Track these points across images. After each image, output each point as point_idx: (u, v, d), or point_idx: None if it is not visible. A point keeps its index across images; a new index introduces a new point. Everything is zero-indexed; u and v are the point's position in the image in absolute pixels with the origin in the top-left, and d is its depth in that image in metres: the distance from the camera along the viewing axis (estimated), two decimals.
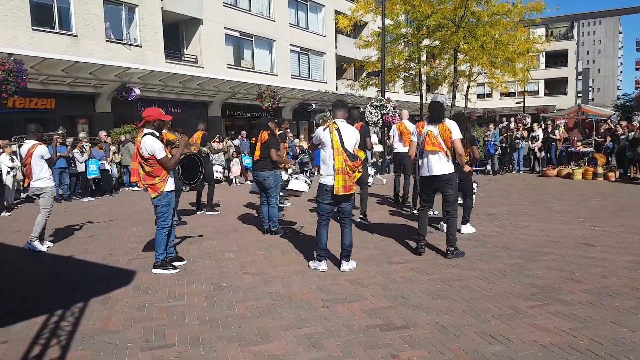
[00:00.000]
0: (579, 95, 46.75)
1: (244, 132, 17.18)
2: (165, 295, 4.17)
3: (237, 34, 22.25)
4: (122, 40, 17.34)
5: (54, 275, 4.97)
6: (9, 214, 9.27)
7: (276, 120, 7.71)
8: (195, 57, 20.42)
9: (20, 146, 9.55)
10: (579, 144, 14.92)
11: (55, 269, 5.24)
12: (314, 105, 24.19)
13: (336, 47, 28.47)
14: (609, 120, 15.67)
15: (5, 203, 9.70)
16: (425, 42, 21.12)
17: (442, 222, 6.50)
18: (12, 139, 10.98)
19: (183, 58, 20.43)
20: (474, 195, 6.68)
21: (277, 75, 23.92)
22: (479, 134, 15.72)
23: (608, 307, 3.60)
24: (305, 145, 17.12)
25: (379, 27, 19.26)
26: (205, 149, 8.04)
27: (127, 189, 13.25)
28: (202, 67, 20.02)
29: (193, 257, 5.43)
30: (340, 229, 4.82)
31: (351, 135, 4.67)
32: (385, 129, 17.14)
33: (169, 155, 4.88)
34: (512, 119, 19.71)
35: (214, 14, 20.69)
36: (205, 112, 20.69)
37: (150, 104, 16.40)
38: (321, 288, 4.25)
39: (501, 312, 3.56)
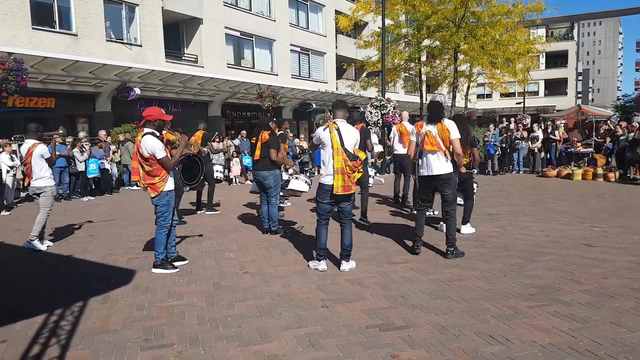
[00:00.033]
0: (579, 95, 46.78)
1: (244, 131, 17.18)
2: (164, 295, 4.17)
3: (238, 34, 22.25)
4: (122, 39, 17.33)
5: (54, 275, 4.97)
6: (9, 213, 9.27)
7: (274, 119, 7.72)
8: (195, 57, 20.42)
9: (20, 145, 9.56)
10: (579, 144, 14.92)
11: (54, 268, 5.24)
12: (314, 105, 24.19)
13: (336, 47, 28.47)
14: (608, 121, 15.66)
15: (5, 202, 9.70)
16: (426, 42, 21.12)
17: (441, 222, 6.50)
18: (12, 138, 10.98)
19: (183, 57, 20.43)
20: (474, 195, 6.68)
21: (277, 75, 23.92)
22: (479, 134, 15.73)
23: (608, 307, 3.60)
24: (305, 145, 17.12)
25: (379, 27, 19.25)
26: (205, 149, 8.04)
27: (127, 188, 13.25)
28: (203, 67, 20.01)
29: (193, 257, 5.43)
30: (340, 229, 4.82)
31: (351, 135, 4.67)
32: (385, 129, 17.15)
33: (169, 155, 4.88)
34: (512, 119, 19.73)
35: (215, 14, 20.68)
36: (205, 111, 20.69)
37: (150, 104, 16.39)
38: (321, 288, 4.25)
39: (501, 313, 3.57)
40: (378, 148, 11.63)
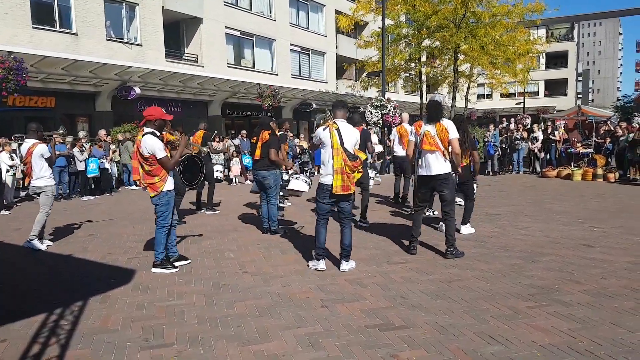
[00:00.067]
0: (579, 96, 46.77)
1: (244, 131, 17.18)
2: (164, 295, 4.17)
3: (238, 33, 22.25)
4: (122, 38, 17.33)
5: (54, 274, 4.97)
6: (9, 212, 9.26)
7: (273, 119, 7.71)
8: (195, 56, 20.42)
9: (20, 145, 9.56)
10: (579, 145, 14.93)
11: (54, 267, 5.24)
12: (314, 105, 24.20)
13: (337, 47, 28.47)
14: (608, 122, 15.67)
15: (4, 201, 9.70)
16: (426, 42, 21.12)
17: (441, 223, 6.49)
18: (13, 138, 10.99)
19: (183, 57, 20.43)
20: (474, 196, 6.68)
21: (277, 74, 23.92)
22: (479, 134, 15.74)
23: (607, 308, 3.61)
24: (305, 145, 17.12)
25: (379, 27, 19.24)
26: (205, 149, 8.04)
27: (126, 187, 13.25)
28: (203, 66, 20.01)
29: (192, 257, 5.42)
30: (340, 229, 4.82)
31: (351, 135, 4.67)
32: (385, 129, 17.16)
33: (169, 155, 4.88)
34: (512, 119, 19.74)
35: (215, 13, 20.68)
36: (205, 111, 20.69)
37: (150, 103, 16.41)
38: (321, 288, 4.25)
39: (500, 313, 3.57)
40: (378, 148, 11.64)
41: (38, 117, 13.08)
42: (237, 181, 14.31)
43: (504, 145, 15.64)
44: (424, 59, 23.06)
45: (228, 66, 21.44)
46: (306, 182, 6.45)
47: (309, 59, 26.76)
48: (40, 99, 14.80)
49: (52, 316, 3.69)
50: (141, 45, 17.71)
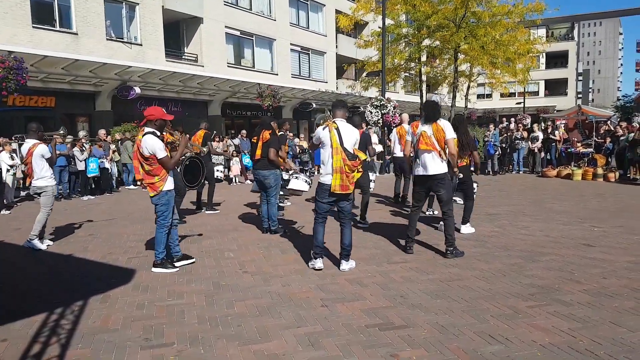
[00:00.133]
0: (579, 96, 46.78)
1: (244, 131, 17.18)
2: (164, 294, 4.17)
3: (238, 33, 22.25)
4: (122, 38, 17.33)
5: (54, 274, 4.97)
6: (9, 212, 9.27)
7: (274, 119, 7.71)
8: (195, 56, 20.42)
9: (20, 145, 9.56)
10: (579, 144, 14.93)
11: (54, 267, 5.24)
12: (314, 105, 24.19)
13: (337, 47, 28.47)
14: (609, 121, 15.67)
15: (5, 201, 9.70)
16: (426, 42, 21.11)
17: (441, 222, 6.49)
18: (13, 138, 10.99)
19: (183, 57, 20.43)
20: (474, 196, 6.69)
21: (277, 74, 23.92)
22: (479, 134, 15.74)
23: (607, 307, 3.61)
24: (305, 144, 17.13)
25: (379, 27, 19.24)
26: (205, 149, 8.04)
27: (126, 187, 13.25)
28: (203, 66, 20.01)
29: (193, 256, 5.42)
30: (340, 229, 4.82)
31: (351, 135, 4.67)
32: (385, 129, 17.16)
33: (170, 155, 4.88)
34: (512, 119, 19.72)
35: (215, 13, 20.68)
36: (205, 111, 20.69)
37: (150, 103, 16.41)
38: (320, 287, 4.25)
39: (500, 312, 3.57)
40: (378, 148, 11.65)
41: (38, 117, 13.08)
42: (237, 181, 14.31)
43: (504, 145, 15.64)
44: (424, 58, 23.05)
45: (228, 66, 21.44)
46: (306, 181, 6.46)
47: (309, 59, 26.75)
48: (40, 99, 14.79)
49: (53, 316, 3.69)
50: (141, 45, 17.71)
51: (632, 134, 12.50)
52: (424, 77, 23.26)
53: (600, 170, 12.67)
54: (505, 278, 4.39)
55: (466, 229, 6.36)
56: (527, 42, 21.16)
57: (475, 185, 6.69)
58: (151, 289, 4.31)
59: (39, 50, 13.38)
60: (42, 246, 6.02)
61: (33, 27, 14.52)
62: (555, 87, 46.03)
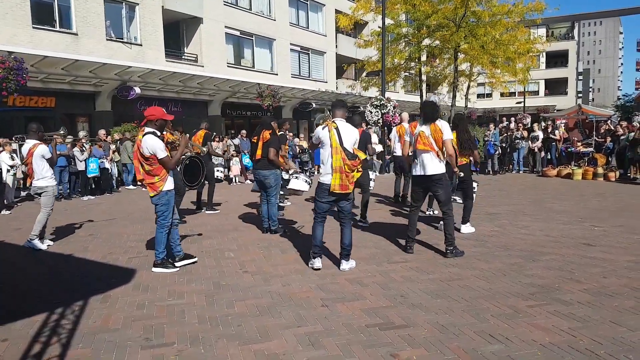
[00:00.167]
0: (579, 95, 46.72)
1: (244, 131, 17.18)
2: (165, 294, 4.18)
3: (238, 33, 22.25)
4: (122, 38, 17.33)
5: (54, 274, 4.98)
6: (9, 212, 9.27)
7: (275, 119, 7.71)
8: (195, 56, 20.42)
9: (21, 145, 9.56)
10: (579, 144, 14.93)
11: (55, 267, 5.24)
12: (314, 105, 24.19)
13: (336, 47, 28.46)
14: (609, 121, 15.67)
15: (5, 201, 9.71)
16: (426, 41, 21.10)
17: (441, 222, 6.50)
18: (13, 138, 10.99)
19: (183, 57, 20.43)
20: (474, 195, 6.69)
21: (277, 74, 23.92)
22: (479, 134, 15.73)
23: (607, 306, 3.61)
24: (305, 144, 17.12)
25: (379, 27, 19.24)
26: (205, 149, 8.04)
27: (127, 187, 13.26)
28: (203, 66, 20.01)
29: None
30: (340, 228, 4.83)
31: (350, 134, 4.67)
32: (385, 128, 17.16)
33: (170, 155, 4.88)
34: (512, 119, 19.73)
35: (215, 13, 20.68)
36: (205, 111, 20.69)
37: (150, 103, 16.41)
38: (321, 287, 4.25)
39: (500, 312, 3.57)
40: (378, 148, 11.65)
41: (38, 117, 13.09)
42: (237, 181, 14.31)
43: (504, 145, 15.63)
44: (423, 58, 23.05)
45: (228, 66, 21.44)
46: (306, 181, 6.46)
47: (309, 59, 26.75)
48: (40, 99, 14.80)
49: (53, 316, 3.70)
50: (141, 45, 17.71)
51: (633, 134, 12.50)
52: (423, 77, 23.27)
53: (600, 170, 12.67)
54: (506, 277, 4.39)
55: (466, 228, 6.37)
56: (527, 41, 21.14)
57: (475, 184, 6.70)
58: (151, 289, 4.32)
59: (39, 51, 13.39)
60: (43, 246, 6.02)
61: (33, 27, 14.52)
62: (556, 87, 46.02)
